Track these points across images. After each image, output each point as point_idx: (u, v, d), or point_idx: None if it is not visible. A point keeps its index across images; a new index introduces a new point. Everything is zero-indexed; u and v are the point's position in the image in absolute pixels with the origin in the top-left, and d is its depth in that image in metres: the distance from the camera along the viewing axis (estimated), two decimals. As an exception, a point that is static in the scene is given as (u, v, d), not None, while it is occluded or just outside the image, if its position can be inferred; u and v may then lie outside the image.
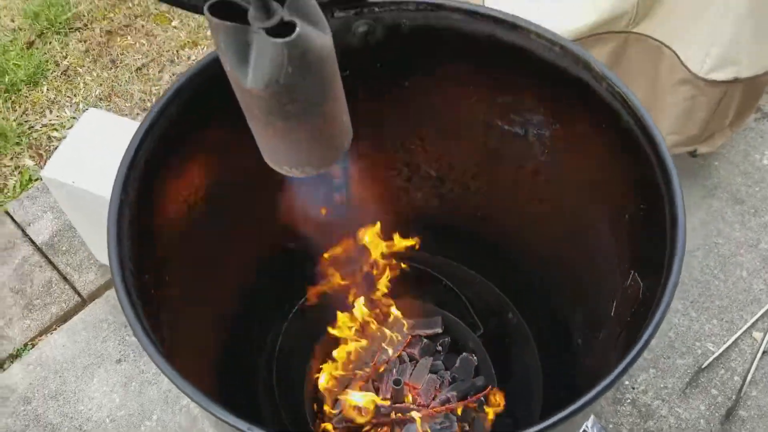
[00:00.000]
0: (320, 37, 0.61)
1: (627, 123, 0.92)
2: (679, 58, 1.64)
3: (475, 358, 1.41)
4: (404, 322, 1.44)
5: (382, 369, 1.40)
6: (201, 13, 0.94)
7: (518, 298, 1.38)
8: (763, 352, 1.77)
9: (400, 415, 1.31)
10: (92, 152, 1.55)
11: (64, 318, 1.78)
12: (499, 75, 1.09)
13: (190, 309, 1.07)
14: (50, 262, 1.84)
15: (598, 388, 0.73)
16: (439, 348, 1.44)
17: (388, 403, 1.32)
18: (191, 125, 0.98)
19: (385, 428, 1.31)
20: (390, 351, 1.40)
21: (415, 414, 1.28)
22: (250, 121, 0.68)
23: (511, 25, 1.01)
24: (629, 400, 1.70)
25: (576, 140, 1.07)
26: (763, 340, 1.80)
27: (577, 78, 0.97)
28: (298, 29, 0.58)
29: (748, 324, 1.83)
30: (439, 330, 1.44)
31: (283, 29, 0.59)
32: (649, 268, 0.88)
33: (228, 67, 0.61)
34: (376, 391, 1.37)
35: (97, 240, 1.73)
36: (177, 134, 0.96)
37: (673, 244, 0.81)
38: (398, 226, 1.33)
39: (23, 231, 1.90)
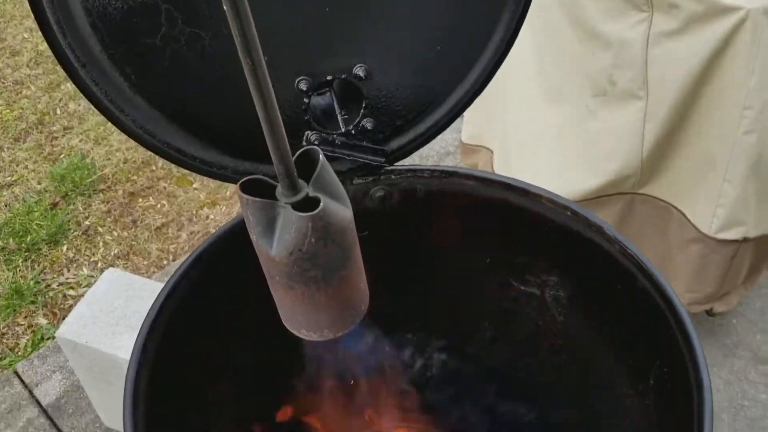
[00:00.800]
0: (342, 210, 0.64)
1: (642, 284, 0.92)
2: (687, 218, 1.68)
3: None
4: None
5: None
6: (224, 180, 0.99)
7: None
8: None
9: None
10: (108, 312, 1.56)
11: (65, 486, 1.71)
12: (512, 237, 1.12)
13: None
14: (55, 425, 1.79)
15: None
16: None
17: None
18: (213, 290, 1.00)
19: None
20: None
21: None
22: (272, 286, 0.70)
23: (523, 190, 1.05)
24: None
25: (592, 301, 1.07)
26: None
27: (590, 240, 0.99)
28: (321, 204, 0.60)
29: (786, 493, 1.72)
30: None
31: (308, 204, 0.61)
32: (677, 434, 0.85)
33: (255, 237, 0.64)
34: None
35: (105, 402, 1.70)
36: (198, 298, 0.98)
37: (700, 408, 0.79)
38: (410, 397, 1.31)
39: (30, 392, 1.86)
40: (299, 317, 0.72)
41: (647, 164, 1.65)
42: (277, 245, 0.62)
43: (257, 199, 0.60)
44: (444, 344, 1.32)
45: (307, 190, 0.62)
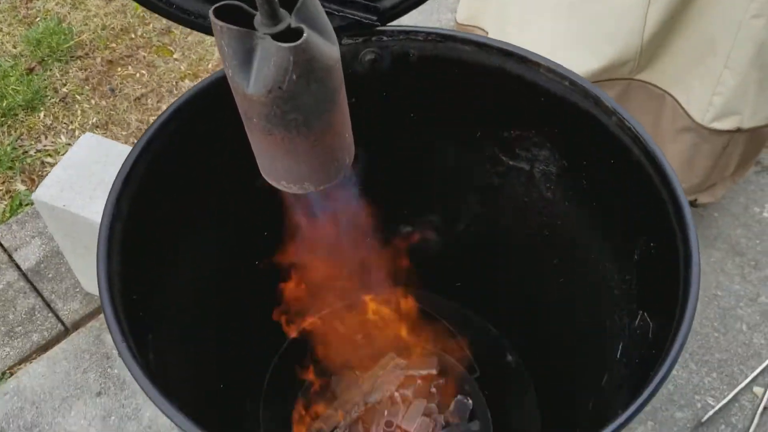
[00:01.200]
0: (327, 45, 0.59)
1: (637, 157, 0.89)
2: (681, 106, 1.64)
3: (470, 401, 1.36)
4: (398, 361, 1.40)
5: (372, 410, 1.34)
6: (204, 31, 0.92)
7: (518, 340, 1.34)
8: (764, 408, 1.73)
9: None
10: (86, 177, 1.52)
11: (45, 347, 1.72)
12: (506, 109, 1.07)
13: (179, 336, 1.03)
14: (35, 289, 1.79)
15: (607, 432, 0.69)
16: (434, 390, 1.39)
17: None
18: (191, 144, 0.96)
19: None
20: (382, 391, 1.35)
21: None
22: (249, 131, 0.65)
23: (521, 57, 0.99)
24: (628, 454, 1.64)
25: (583, 177, 1.05)
26: (763, 396, 1.75)
27: (586, 112, 0.96)
28: (305, 35, 0.55)
29: (749, 379, 1.78)
30: (434, 371, 1.39)
31: (290, 35, 0.56)
32: (659, 308, 0.84)
33: (230, 72, 0.59)
34: (367, 433, 1.32)
35: (84, 267, 1.69)
36: (175, 152, 0.93)
37: (687, 282, 0.78)
38: (394, 264, 1.30)
39: (10, 256, 1.85)
40: (279, 166, 0.68)
41: (647, 49, 1.58)
42: (254, 82, 0.57)
43: (233, 26, 0.55)
44: (431, 219, 1.31)
45: (290, 20, 0.57)
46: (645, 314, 0.89)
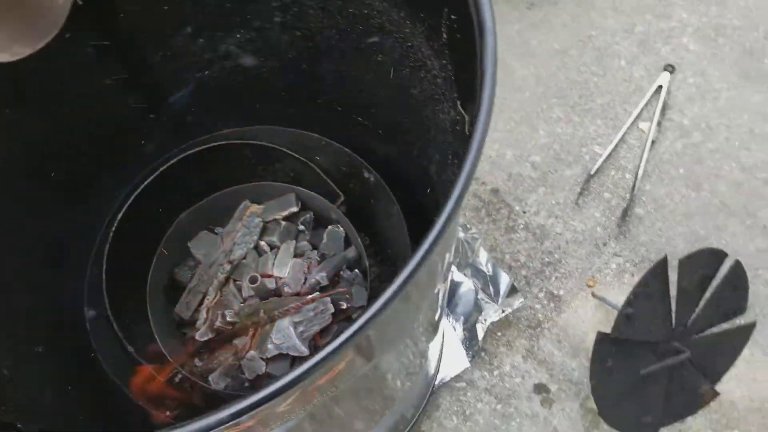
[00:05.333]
0: None
1: None
2: None
3: (341, 228, 1.26)
4: (254, 207, 1.27)
5: (240, 267, 1.24)
6: None
7: (369, 155, 1.20)
8: (652, 142, 1.68)
9: (267, 315, 1.16)
10: None
11: None
12: None
13: None
14: None
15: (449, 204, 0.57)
16: (302, 227, 1.28)
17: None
18: None
19: (253, 331, 1.17)
20: (245, 244, 1.24)
21: (278, 308, 1.15)
22: None
23: None
24: (522, 226, 1.60)
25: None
26: (650, 129, 1.70)
27: None
28: None
29: (633, 116, 1.72)
30: (295, 208, 1.26)
31: None
32: (469, 94, 0.70)
33: None
34: (239, 291, 1.21)
35: None
36: None
37: (483, 54, 0.63)
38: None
39: None
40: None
41: None
42: None
43: None
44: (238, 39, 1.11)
45: None
46: (460, 106, 0.75)
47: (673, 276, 1.30)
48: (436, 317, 1.01)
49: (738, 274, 1.39)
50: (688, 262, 1.32)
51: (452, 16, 0.75)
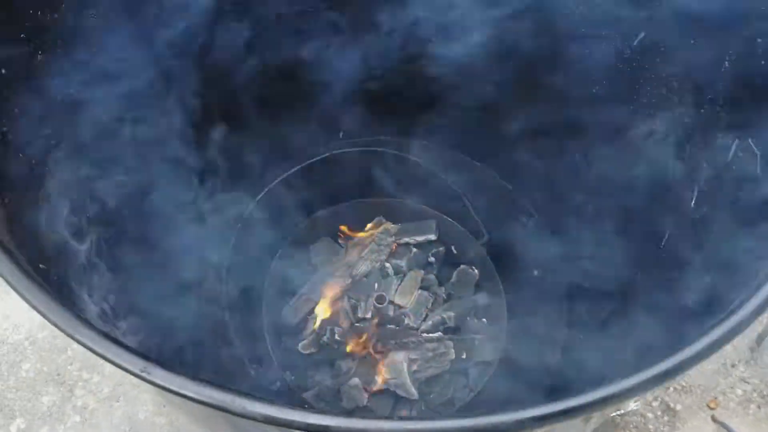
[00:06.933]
0: None
1: None
2: None
3: (476, 271, 1.13)
4: (388, 225, 1.16)
5: (359, 285, 1.12)
6: None
7: (533, 194, 1.07)
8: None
9: (380, 343, 1.03)
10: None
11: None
12: None
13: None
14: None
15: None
16: (432, 259, 1.16)
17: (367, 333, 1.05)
18: None
19: (361, 356, 1.04)
20: (370, 262, 1.12)
21: (398, 339, 1.02)
22: None
23: None
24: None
25: None
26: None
27: None
28: None
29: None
30: (433, 236, 1.15)
31: None
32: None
33: None
34: (353, 310, 1.09)
35: None
36: None
37: None
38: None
39: None
40: None
41: None
42: None
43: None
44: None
45: None
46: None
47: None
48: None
49: None
50: None
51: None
